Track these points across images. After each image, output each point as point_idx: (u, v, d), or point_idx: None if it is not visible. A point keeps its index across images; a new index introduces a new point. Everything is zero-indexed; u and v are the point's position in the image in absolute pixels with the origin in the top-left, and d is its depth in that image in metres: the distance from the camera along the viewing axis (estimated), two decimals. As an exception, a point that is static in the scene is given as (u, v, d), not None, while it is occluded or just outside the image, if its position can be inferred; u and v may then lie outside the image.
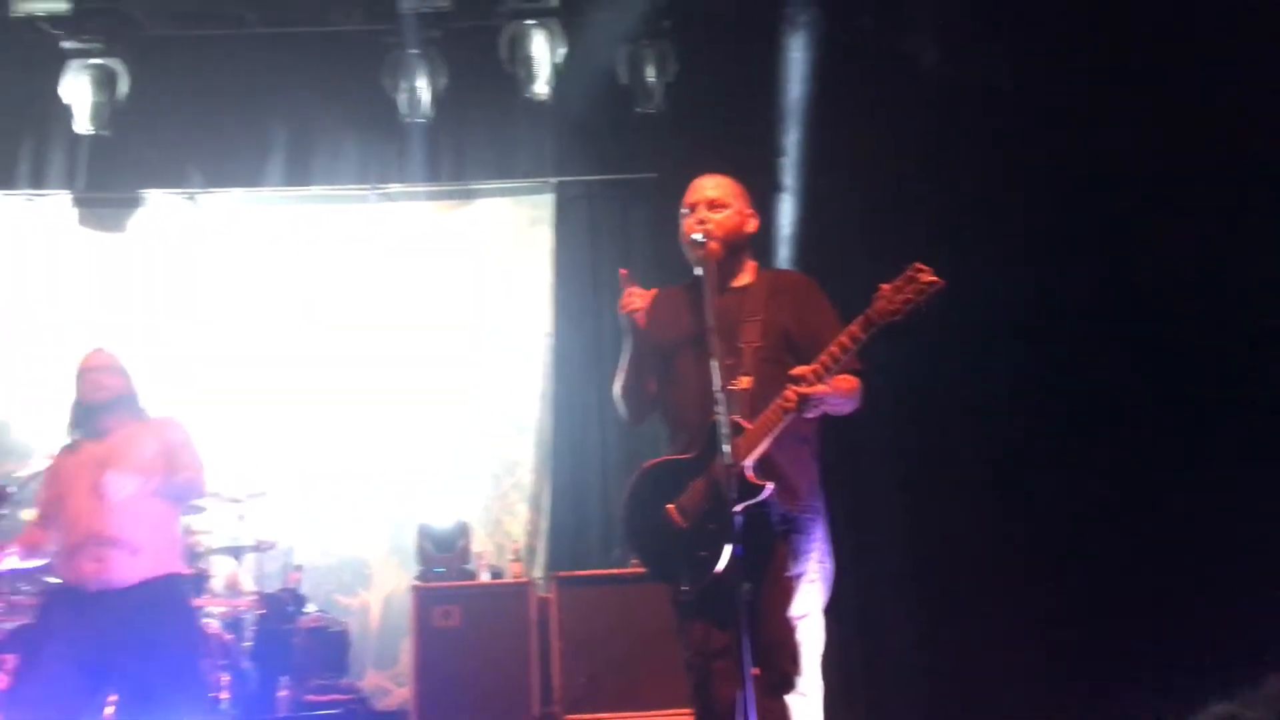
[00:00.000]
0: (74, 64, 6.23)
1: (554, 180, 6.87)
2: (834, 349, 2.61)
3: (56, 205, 6.88)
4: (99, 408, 3.92)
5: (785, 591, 2.71)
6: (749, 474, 2.62)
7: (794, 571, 2.73)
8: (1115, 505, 5.05)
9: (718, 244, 2.87)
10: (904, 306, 2.55)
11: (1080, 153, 5.29)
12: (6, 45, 6.25)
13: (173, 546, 3.94)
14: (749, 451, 2.63)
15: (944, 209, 5.54)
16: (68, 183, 6.89)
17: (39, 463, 5.63)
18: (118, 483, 3.66)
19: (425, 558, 5.62)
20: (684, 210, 2.99)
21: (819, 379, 2.60)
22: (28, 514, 5.07)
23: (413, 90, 6.30)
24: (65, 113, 6.31)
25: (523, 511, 6.61)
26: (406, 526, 6.13)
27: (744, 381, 2.72)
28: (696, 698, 2.76)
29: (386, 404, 6.68)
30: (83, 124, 6.29)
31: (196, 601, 5.19)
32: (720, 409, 2.54)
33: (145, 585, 3.71)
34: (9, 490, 4.35)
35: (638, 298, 2.95)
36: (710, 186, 2.98)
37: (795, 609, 2.71)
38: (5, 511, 4.90)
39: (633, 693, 4.95)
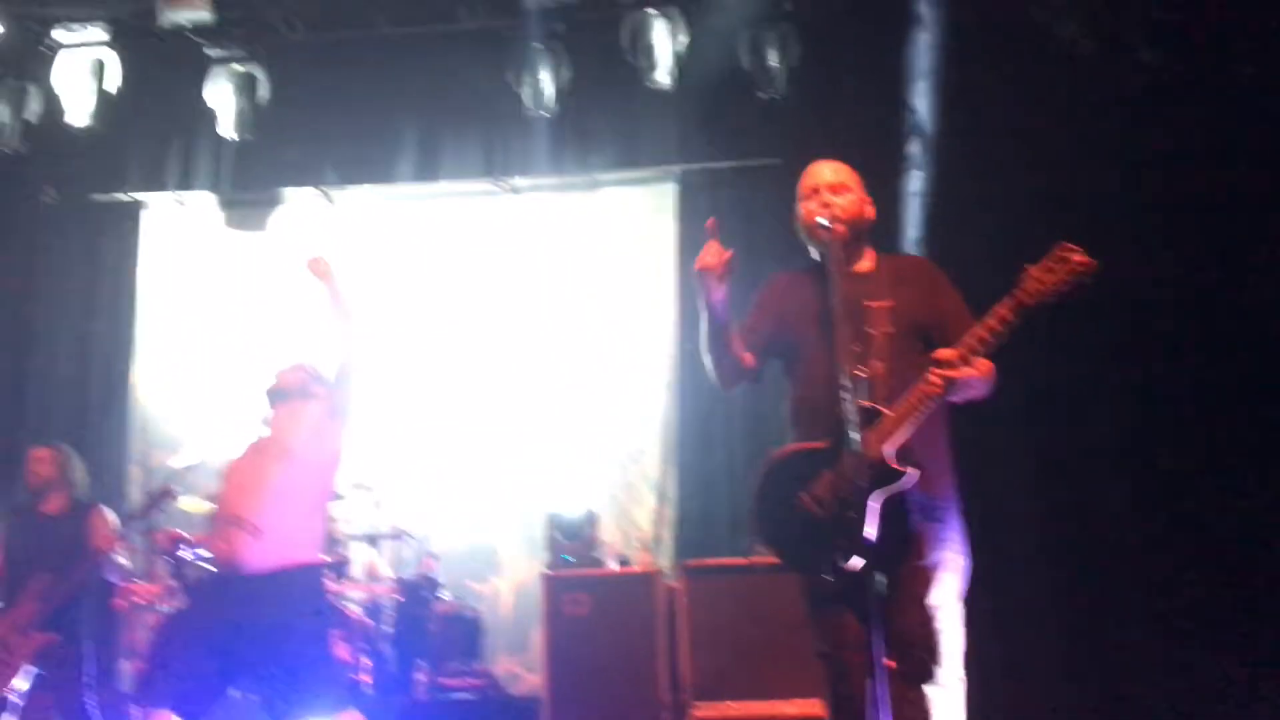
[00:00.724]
0: (217, 70, 6.50)
1: (678, 168, 6.87)
2: (982, 332, 2.55)
3: (203, 205, 7.22)
4: (271, 399, 4.05)
5: (924, 580, 2.65)
6: (890, 460, 2.57)
7: (932, 559, 2.67)
8: (1268, 493, 4.79)
9: (843, 227, 2.83)
10: (1055, 288, 2.49)
11: (1235, 133, 4.97)
12: (154, 54, 6.56)
13: (306, 534, 3.90)
14: (889, 437, 2.58)
15: (1083, 193, 5.30)
16: (213, 183, 7.22)
17: (190, 454, 5.95)
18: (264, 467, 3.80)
19: (554, 546, 5.68)
20: (802, 195, 2.95)
21: (965, 362, 2.55)
22: (187, 501, 5.35)
23: (536, 83, 6.37)
24: (210, 116, 6.59)
25: (649, 500, 6.63)
26: (535, 515, 6.22)
27: (875, 367, 2.66)
28: (829, 689, 2.72)
29: (515, 393, 6.80)
30: (226, 127, 6.56)
31: (337, 587, 5.39)
32: (850, 395, 2.49)
33: (275, 575, 3.70)
34: (174, 490, 4.58)
35: (713, 255, 2.88)
36: (830, 171, 2.95)
37: (934, 598, 2.65)
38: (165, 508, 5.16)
39: (761, 682, 4.92)
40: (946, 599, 2.67)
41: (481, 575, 6.53)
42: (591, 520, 5.80)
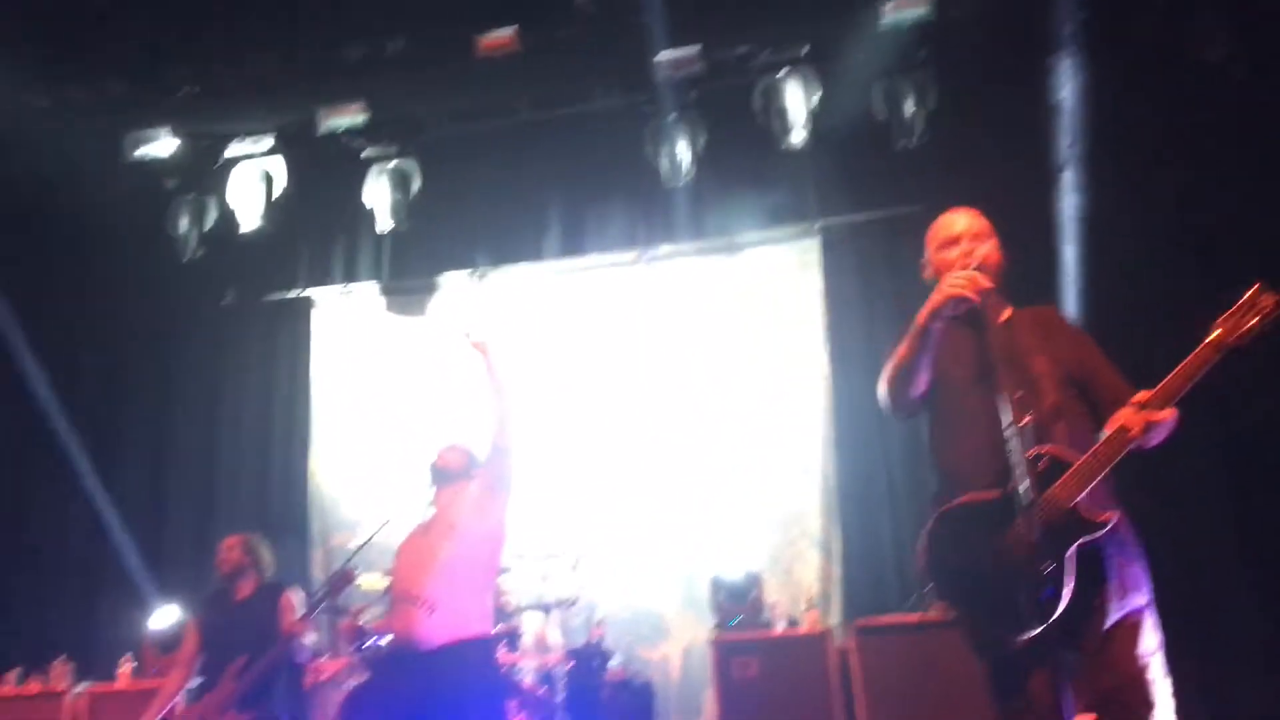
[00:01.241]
0: (373, 168, 6.89)
1: (818, 224, 6.88)
2: (1180, 378, 2.51)
3: (367, 296, 7.60)
4: (435, 479, 4.21)
5: (1132, 628, 2.54)
6: (1084, 510, 2.50)
7: (1136, 605, 2.57)
8: None
9: (989, 277, 2.77)
10: (1249, 333, 2.46)
11: None
12: (316, 158, 7.00)
13: (477, 608, 3.98)
14: (1084, 485, 2.51)
15: (1245, 229, 5.03)
16: (374, 274, 7.60)
17: (363, 535, 6.20)
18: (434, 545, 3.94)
19: (720, 609, 5.66)
20: (937, 244, 2.91)
21: (1161, 406, 2.50)
22: (366, 579, 5.58)
23: (673, 154, 6.52)
24: (368, 213, 6.97)
25: (814, 559, 6.55)
26: (699, 578, 6.22)
27: (1042, 414, 2.59)
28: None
29: (673, 458, 6.85)
30: (383, 221, 6.92)
31: (509, 657, 5.50)
32: (1019, 444, 2.44)
33: (449, 649, 3.77)
34: (353, 572, 4.79)
35: (973, 284, 2.66)
36: (967, 219, 2.90)
37: (1144, 645, 2.54)
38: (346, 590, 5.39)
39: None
40: (1156, 644, 2.56)
41: (650, 641, 6.55)
42: (755, 582, 5.76)
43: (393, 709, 3.79)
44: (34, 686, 5.45)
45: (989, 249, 2.85)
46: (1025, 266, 3.00)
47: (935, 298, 2.71)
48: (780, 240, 7.05)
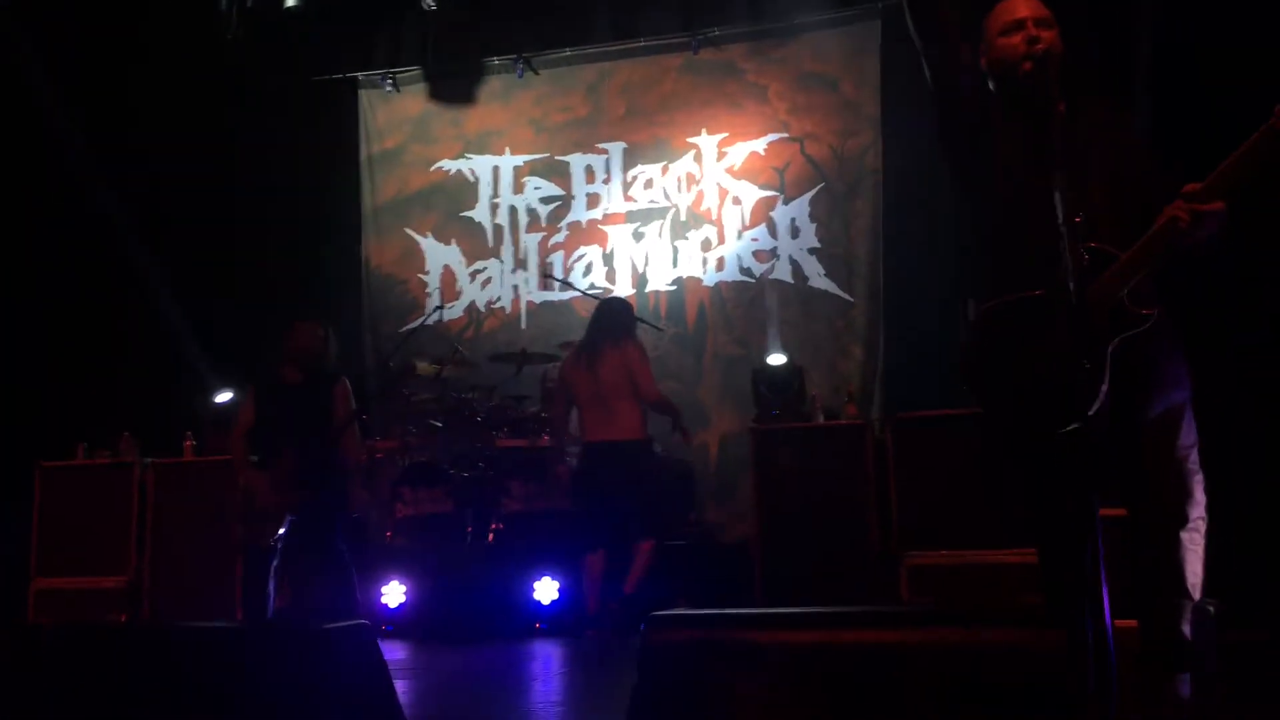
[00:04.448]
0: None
1: (880, 3, 6.57)
2: (1231, 165, 2.38)
3: (412, 81, 7.48)
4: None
5: (1173, 420, 2.55)
6: (1128, 303, 2.46)
7: (1178, 399, 2.57)
8: None
9: (1053, 65, 2.64)
10: None
11: None
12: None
13: None
14: (1127, 278, 2.46)
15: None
16: (418, 57, 7.42)
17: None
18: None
19: (761, 400, 5.73)
20: (998, 29, 2.76)
21: (1212, 197, 2.40)
22: (423, 367, 5.80)
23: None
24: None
25: (856, 353, 6.59)
26: (741, 370, 6.30)
27: (1092, 208, 2.51)
28: (1048, 543, 2.68)
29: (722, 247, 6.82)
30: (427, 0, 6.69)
31: (555, 441, 5.70)
32: (1069, 238, 2.37)
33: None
34: (414, 363, 4.74)
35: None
36: (1032, 3, 2.74)
37: (1184, 439, 2.56)
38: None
39: (974, 531, 4.88)
40: (1195, 437, 2.58)
41: (690, 429, 6.71)
42: (797, 374, 5.80)
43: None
44: (104, 458, 5.74)
45: (1054, 35, 2.71)
46: (1086, 59, 2.83)
47: None
48: (838, 24, 6.77)
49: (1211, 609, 2.67)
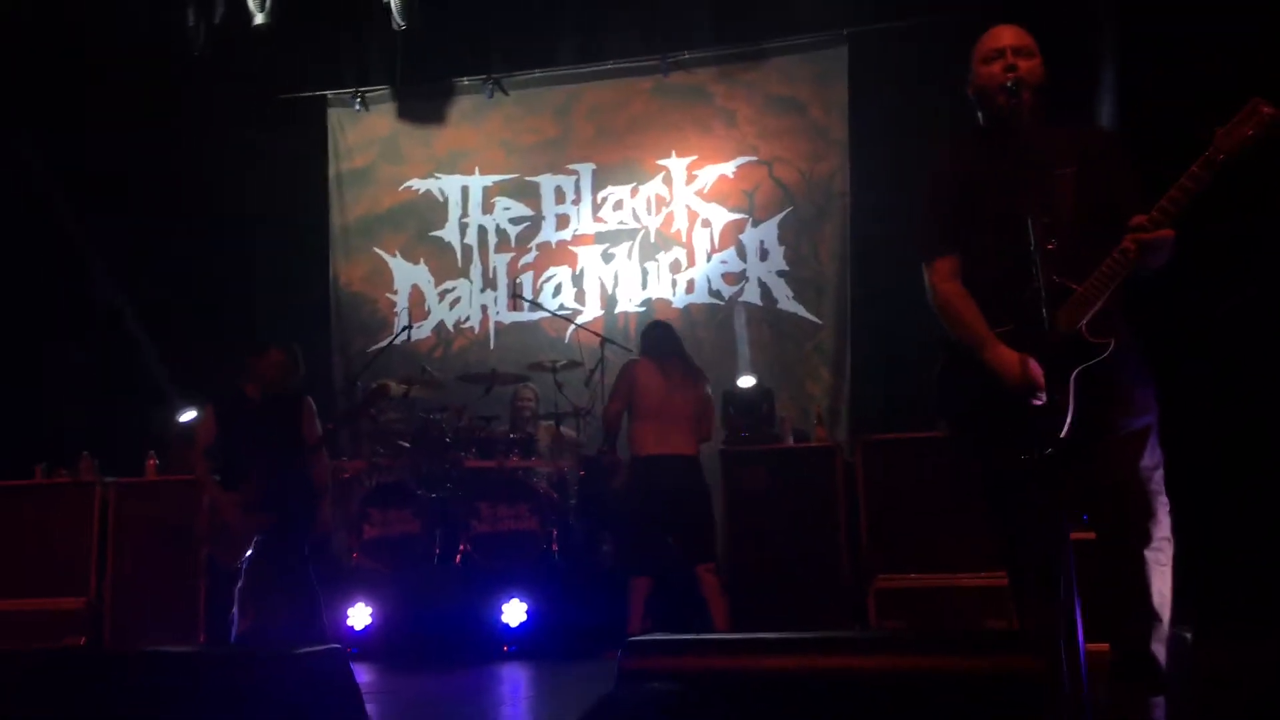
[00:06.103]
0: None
1: (846, 31, 6.64)
2: (1175, 193, 2.45)
3: (381, 99, 7.46)
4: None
5: (1137, 443, 2.59)
6: (1086, 334, 2.52)
7: (1142, 423, 2.62)
8: None
9: (1029, 93, 2.68)
10: (1245, 142, 2.38)
11: None
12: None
13: None
14: (1085, 310, 2.52)
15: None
16: (387, 76, 7.40)
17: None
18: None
19: (730, 422, 5.74)
20: (981, 58, 2.81)
21: (1158, 225, 2.46)
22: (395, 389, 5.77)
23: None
24: (380, 11, 6.70)
25: (825, 375, 6.63)
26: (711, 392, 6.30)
27: (1062, 238, 2.55)
28: (1016, 564, 2.71)
29: (688, 269, 6.83)
30: (397, 19, 6.67)
31: (525, 463, 5.68)
32: (1041, 270, 2.42)
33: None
34: (389, 385, 4.76)
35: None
36: (1014, 34, 2.80)
37: (1148, 460, 2.60)
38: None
39: (943, 555, 4.91)
40: (1159, 461, 2.62)
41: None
42: (766, 395, 5.82)
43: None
44: (63, 478, 5.65)
45: (1035, 64, 2.76)
46: (1063, 83, 2.88)
47: None
48: (805, 49, 6.83)
49: (1188, 636, 2.71)
